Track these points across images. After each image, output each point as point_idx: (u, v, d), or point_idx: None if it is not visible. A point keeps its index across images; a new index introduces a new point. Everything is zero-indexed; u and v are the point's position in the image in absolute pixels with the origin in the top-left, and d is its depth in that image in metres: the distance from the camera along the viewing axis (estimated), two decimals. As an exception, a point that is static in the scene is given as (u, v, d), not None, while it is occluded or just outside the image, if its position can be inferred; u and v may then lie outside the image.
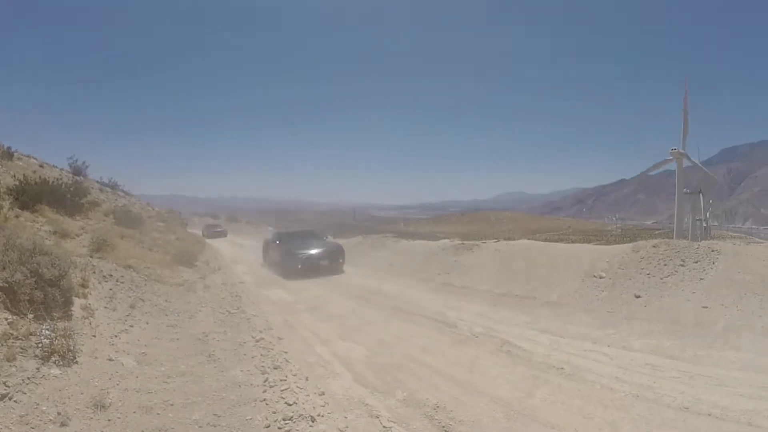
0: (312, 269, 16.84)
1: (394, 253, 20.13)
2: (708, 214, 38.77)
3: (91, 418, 4.36)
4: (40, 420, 4.04)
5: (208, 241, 36.22)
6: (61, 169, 25.55)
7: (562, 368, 6.51)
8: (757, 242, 13.50)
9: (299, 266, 16.76)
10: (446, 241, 19.86)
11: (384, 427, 4.92)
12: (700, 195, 38.46)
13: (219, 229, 50.02)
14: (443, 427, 4.94)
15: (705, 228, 36.68)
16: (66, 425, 4.12)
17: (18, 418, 3.97)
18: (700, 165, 40.75)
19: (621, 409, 5.18)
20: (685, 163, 39.42)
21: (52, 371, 4.80)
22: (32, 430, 3.90)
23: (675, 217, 39.34)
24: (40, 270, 5.94)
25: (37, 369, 4.69)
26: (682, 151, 38.65)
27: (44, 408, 4.20)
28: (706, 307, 8.53)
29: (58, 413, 4.21)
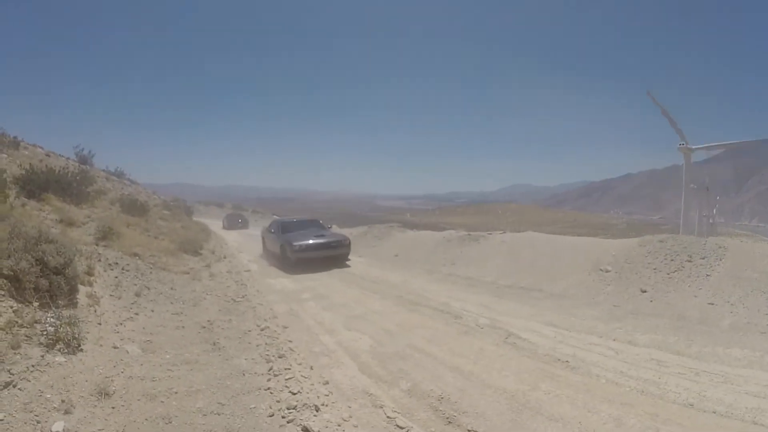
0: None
1: (399, 244, 20.14)
2: (714, 211, 38.68)
3: (95, 406, 4.37)
4: (44, 408, 4.04)
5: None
6: (68, 159, 25.61)
7: (567, 361, 6.48)
8: (765, 240, 13.45)
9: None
10: (452, 232, 19.85)
11: (388, 417, 4.92)
12: (707, 191, 38.37)
13: (240, 220, 46.37)
14: (447, 418, 4.94)
15: (711, 224, 36.60)
16: (70, 413, 4.12)
17: (22, 406, 3.97)
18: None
19: (626, 404, 5.16)
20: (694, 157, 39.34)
21: (56, 359, 4.80)
22: (36, 417, 3.90)
23: (682, 212, 39.29)
24: (45, 258, 5.94)
25: (42, 357, 4.70)
26: (690, 147, 38.56)
27: (48, 396, 4.20)
28: (713, 304, 8.50)
29: (62, 401, 4.21)
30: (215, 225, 40.17)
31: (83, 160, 25.65)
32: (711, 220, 38.37)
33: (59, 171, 14.91)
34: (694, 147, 40.20)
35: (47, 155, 23.35)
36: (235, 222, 45.21)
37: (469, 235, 17.70)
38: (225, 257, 17.89)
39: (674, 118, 41.20)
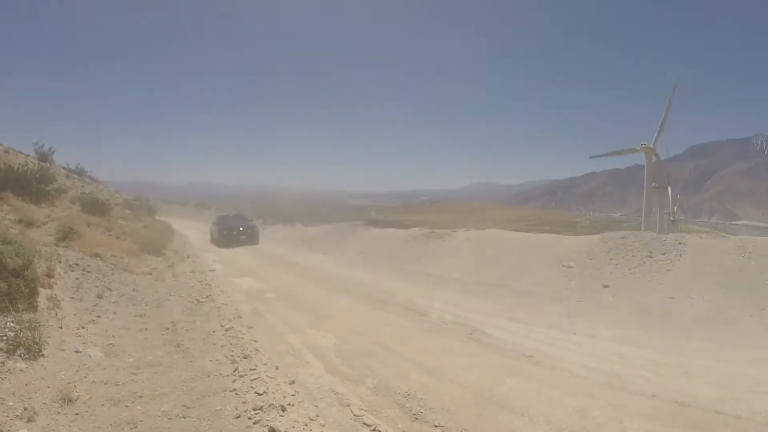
0: None
1: (364, 242, 20.15)
2: (675, 208, 39.55)
3: (59, 413, 4.29)
4: (6, 416, 3.95)
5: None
6: (27, 155, 24.92)
7: (532, 356, 6.60)
8: (724, 236, 13.79)
9: None
10: (417, 229, 19.92)
11: (355, 415, 4.93)
12: (668, 190, 39.21)
13: (242, 229, 26.25)
14: (414, 414, 4.97)
15: (672, 221, 37.40)
16: (33, 421, 4.04)
17: (-18, 414, 3.89)
18: (660, 161, 41.58)
19: (590, 396, 5.26)
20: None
21: (17, 365, 4.70)
22: (-2, 426, 3.83)
23: (643, 210, 40.11)
24: (3, 260, 5.81)
25: (2, 363, 4.59)
26: (651, 146, 39.39)
27: (10, 403, 4.11)
28: (673, 298, 8.70)
29: (25, 408, 4.12)
30: (178, 224, 36.01)
31: (43, 157, 24.98)
32: (672, 218, 39.23)
33: (18, 168, 14.56)
34: (660, 150, 41.29)
35: (6, 152, 22.71)
36: (234, 232, 25.99)
37: (433, 232, 17.80)
38: (188, 257, 17.66)
39: (667, 117, 42.22)
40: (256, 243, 25.97)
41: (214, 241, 27.00)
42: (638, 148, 40.97)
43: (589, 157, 52.85)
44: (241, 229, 26.34)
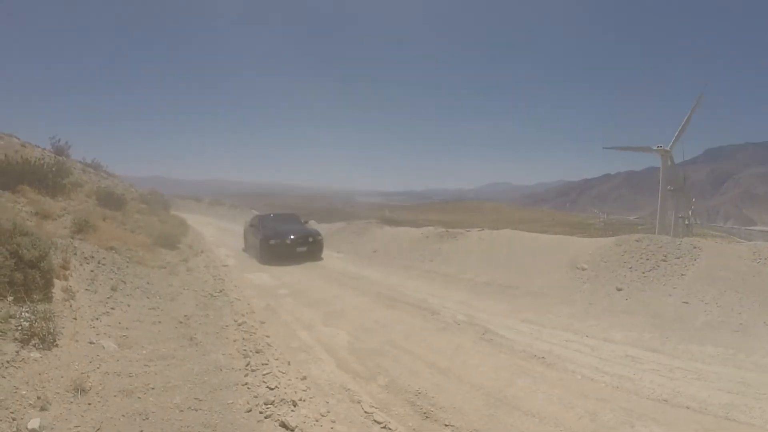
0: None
1: (377, 240, 20.12)
2: (690, 212, 39.23)
3: (71, 402, 4.32)
4: (20, 404, 3.98)
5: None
6: (44, 149, 25.08)
7: (544, 358, 6.56)
8: (739, 241, 13.67)
9: None
10: (430, 228, 19.88)
11: (366, 412, 4.93)
12: (684, 193, 38.91)
13: (293, 237, 17.18)
14: (425, 413, 4.97)
15: (687, 225, 37.10)
16: (46, 409, 4.07)
17: (-4, 402, 3.91)
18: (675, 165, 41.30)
19: (601, 400, 5.23)
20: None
21: (31, 354, 4.74)
22: (11, 414, 3.84)
23: (658, 213, 39.85)
24: (20, 251, 5.85)
25: (17, 352, 4.62)
26: (667, 149, 39.12)
27: (24, 392, 4.14)
28: (687, 303, 8.62)
29: (38, 397, 4.15)
30: (193, 220, 33.29)
31: (59, 151, 25.12)
32: (687, 221, 38.92)
33: (35, 162, 14.67)
34: (662, 147, 41.04)
35: (23, 146, 22.88)
36: (288, 241, 17.10)
37: (447, 232, 17.75)
38: (202, 251, 17.72)
39: (687, 123, 41.98)
40: (320, 259, 17.47)
41: (251, 249, 18.91)
42: (654, 148, 40.76)
43: (603, 148, 53.47)
44: (293, 237, 17.33)
